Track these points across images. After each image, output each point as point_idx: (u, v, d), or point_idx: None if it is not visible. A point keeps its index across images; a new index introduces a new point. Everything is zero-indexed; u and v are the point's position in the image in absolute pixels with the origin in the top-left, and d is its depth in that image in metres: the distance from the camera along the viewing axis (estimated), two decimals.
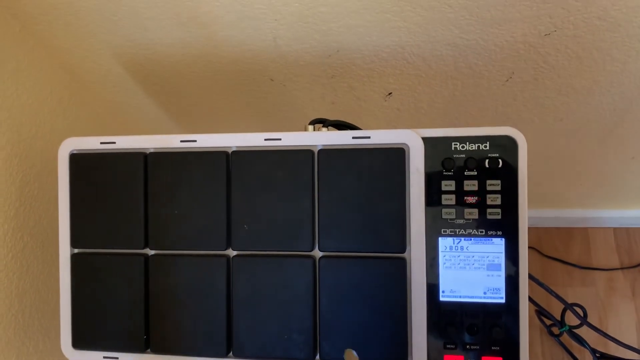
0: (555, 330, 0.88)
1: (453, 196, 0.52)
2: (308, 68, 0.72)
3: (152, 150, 0.57)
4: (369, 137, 0.53)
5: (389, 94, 0.76)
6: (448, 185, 0.52)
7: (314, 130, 0.58)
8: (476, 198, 0.51)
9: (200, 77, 0.76)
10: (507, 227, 0.51)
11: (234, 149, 0.55)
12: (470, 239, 0.52)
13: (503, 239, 0.51)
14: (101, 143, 0.58)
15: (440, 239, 0.52)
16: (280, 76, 0.74)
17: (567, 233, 1.13)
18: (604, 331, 0.78)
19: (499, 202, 0.51)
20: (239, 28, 0.65)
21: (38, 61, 0.69)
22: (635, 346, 0.86)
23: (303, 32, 0.65)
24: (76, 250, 0.58)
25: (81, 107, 0.79)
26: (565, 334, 0.85)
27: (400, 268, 0.52)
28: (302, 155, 0.54)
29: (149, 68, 0.74)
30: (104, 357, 0.58)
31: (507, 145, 0.51)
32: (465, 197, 0.51)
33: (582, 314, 0.78)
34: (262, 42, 0.67)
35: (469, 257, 0.52)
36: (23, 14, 0.64)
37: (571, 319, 0.81)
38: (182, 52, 0.70)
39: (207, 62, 0.72)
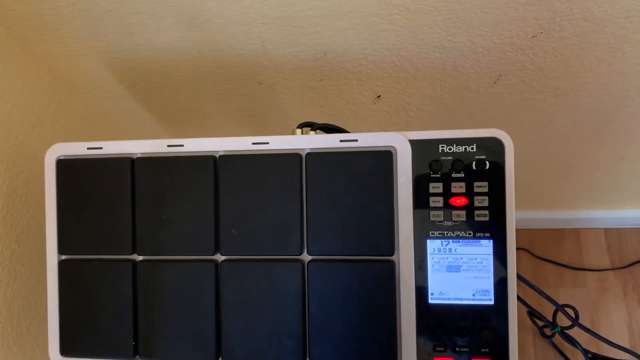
0: (547, 331, 0.88)
1: (441, 198, 0.52)
2: (296, 71, 0.72)
3: (139, 156, 0.56)
4: (356, 140, 0.53)
5: (378, 96, 0.76)
6: (436, 187, 0.52)
7: (302, 133, 0.58)
8: (464, 200, 0.51)
9: (188, 82, 0.76)
10: (495, 229, 0.51)
11: (222, 153, 0.55)
12: (459, 241, 0.52)
13: (491, 241, 0.51)
14: (88, 149, 0.57)
15: (428, 241, 0.52)
16: (268, 80, 0.74)
17: (559, 234, 1.13)
18: (596, 332, 0.78)
19: (486, 203, 0.51)
20: (227, 32, 0.65)
21: (25, 67, 0.69)
22: (627, 346, 0.86)
23: (291, 36, 0.65)
24: (64, 257, 0.58)
25: (69, 113, 0.79)
26: (557, 335, 0.85)
27: (389, 271, 0.52)
28: (290, 159, 0.54)
29: (137, 73, 0.74)
30: None
31: (494, 147, 0.51)
32: (452, 199, 0.51)
33: (573, 315, 0.78)
34: (250, 46, 0.67)
35: (457, 259, 0.52)
36: (9, 20, 0.64)
37: (563, 320, 0.81)
38: (169, 57, 0.70)
39: (195, 66, 0.72)
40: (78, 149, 0.57)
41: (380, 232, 0.52)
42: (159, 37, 0.66)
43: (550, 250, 1.12)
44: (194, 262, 0.56)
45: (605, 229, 1.12)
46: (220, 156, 0.55)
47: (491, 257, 0.51)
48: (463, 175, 0.51)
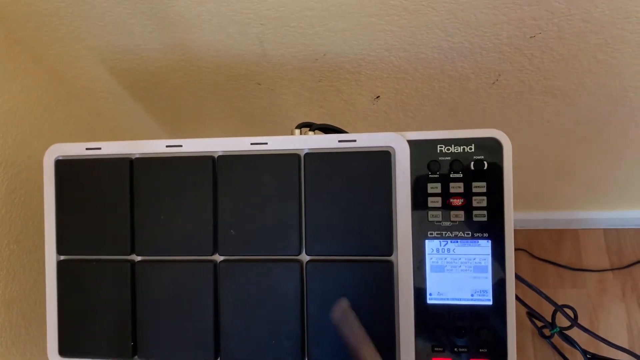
0: (546, 331, 0.88)
1: (439, 198, 0.52)
2: (295, 72, 0.72)
3: (137, 156, 0.56)
4: (354, 141, 0.53)
5: (377, 97, 0.76)
6: (434, 187, 0.52)
7: (301, 134, 0.58)
8: (462, 200, 0.51)
9: (187, 82, 0.76)
10: (493, 229, 0.51)
11: (220, 153, 0.55)
12: (457, 241, 0.52)
13: (489, 241, 0.51)
14: (87, 149, 0.57)
15: (426, 241, 0.52)
16: (267, 80, 0.74)
17: (558, 235, 1.13)
18: (595, 332, 0.78)
19: (484, 204, 0.51)
20: (226, 33, 0.65)
21: (24, 67, 0.69)
22: (626, 347, 0.86)
23: (289, 37, 0.65)
24: (62, 257, 0.58)
25: (68, 113, 0.79)
26: (556, 336, 0.85)
27: (388, 271, 0.52)
28: (289, 159, 0.54)
29: (136, 73, 0.74)
30: None
31: (492, 147, 0.51)
32: (451, 200, 0.51)
33: (572, 316, 0.78)
34: (249, 47, 0.67)
35: (455, 259, 0.52)
36: (8, 20, 0.64)
37: (562, 321, 0.81)
38: (168, 57, 0.70)
39: (194, 67, 0.72)
40: (77, 149, 0.57)
41: (378, 233, 0.52)
42: (157, 38, 0.66)
43: (550, 251, 1.12)
44: (192, 262, 0.55)
45: (605, 230, 1.12)
46: (219, 156, 0.55)
47: (489, 258, 0.51)
48: (461, 175, 0.51)
